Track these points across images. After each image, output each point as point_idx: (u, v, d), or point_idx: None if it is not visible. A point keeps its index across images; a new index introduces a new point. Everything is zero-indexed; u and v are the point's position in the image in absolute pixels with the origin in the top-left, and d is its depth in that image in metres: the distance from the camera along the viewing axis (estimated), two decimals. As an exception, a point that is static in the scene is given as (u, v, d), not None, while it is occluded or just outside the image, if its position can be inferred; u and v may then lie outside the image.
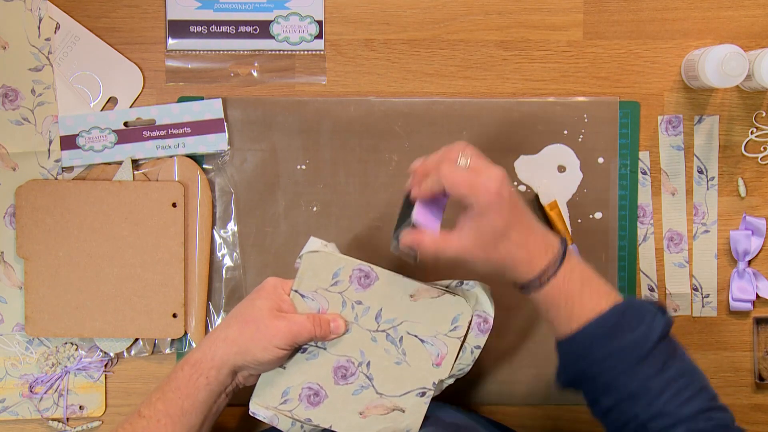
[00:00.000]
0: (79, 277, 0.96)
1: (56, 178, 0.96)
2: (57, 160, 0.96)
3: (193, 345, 0.97)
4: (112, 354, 0.98)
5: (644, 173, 0.99)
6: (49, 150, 0.96)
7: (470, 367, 0.84)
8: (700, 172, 0.99)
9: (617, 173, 0.98)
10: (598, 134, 0.98)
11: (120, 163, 0.96)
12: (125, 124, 0.96)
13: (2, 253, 0.97)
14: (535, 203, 0.98)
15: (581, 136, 0.98)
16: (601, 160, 0.98)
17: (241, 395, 0.84)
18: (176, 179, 0.97)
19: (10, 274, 0.97)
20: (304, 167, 0.98)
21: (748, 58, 0.91)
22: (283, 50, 0.98)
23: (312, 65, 0.98)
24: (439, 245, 0.75)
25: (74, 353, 0.97)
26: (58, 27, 0.96)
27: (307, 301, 0.83)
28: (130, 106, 0.98)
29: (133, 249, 0.96)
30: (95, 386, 0.98)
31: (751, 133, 0.99)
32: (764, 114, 0.99)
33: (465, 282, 0.84)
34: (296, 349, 0.82)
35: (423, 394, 0.83)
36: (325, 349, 0.83)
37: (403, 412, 0.83)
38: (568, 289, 0.75)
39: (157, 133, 0.96)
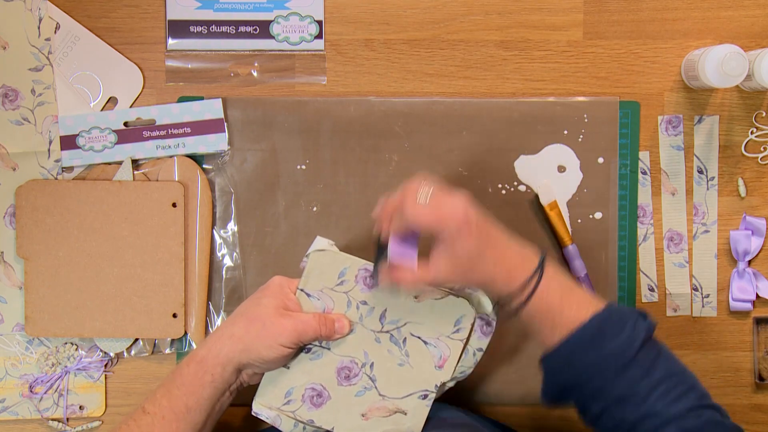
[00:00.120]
0: (79, 277, 0.96)
1: (56, 178, 0.96)
2: (57, 160, 0.96)
3: (194, 345, 0.97)
4: (112, 354, 0.97)
5: (644, 173, 0.99)
6: (49, 150, 0.96)
7: (472, 369, 0.84)
8: (700, 172, 0.99)
9: (617, 173, 0.98)
10: (598, 134, 0.98)
11: (120, 163, 0.96)
12: (125, 124, 0.96)
13: (2, 253, 0.97)
14: (535, 203, 0.98)
15: (581, 136, 0.98)
16: (601, 160, 0.98)
17: (244, 395, 0.84)
18: (176, 179, 0.97)
19: (10, 274, 0.97)
20: (304, 167, 0.98)
21: (748, 58, 0.91)
22: (283, 50, 0.98)
23: (312, 65, 0.98)
24: (418, 278, 0.77)
25: (74, 353, 0.97)
26: (58, 27, 0.96)
27: (312, 300, 0.83)
28: (130, 106, 0.98)
29: (133, 249, 0.96)
30: (95, 386, 0.98)
31: (751, 133, 0.99)
32: (764, 114, 0.99)
33: None
34: (300, 348, 0.82)
35: (425, 397, 0.83)
36: (329, 349, 0.83)
37: (405, 414, 0.83)
38: (549, 302, 0.75)
39: (157, 133, 0.96)
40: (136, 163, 0.97)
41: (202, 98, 0.97)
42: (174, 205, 0.96)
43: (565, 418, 1.00)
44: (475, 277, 0.76)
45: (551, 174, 0.98)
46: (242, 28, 0.97)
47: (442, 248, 0.75)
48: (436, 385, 0.83)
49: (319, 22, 0.98)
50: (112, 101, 0.98)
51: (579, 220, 0.98)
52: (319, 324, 0.80)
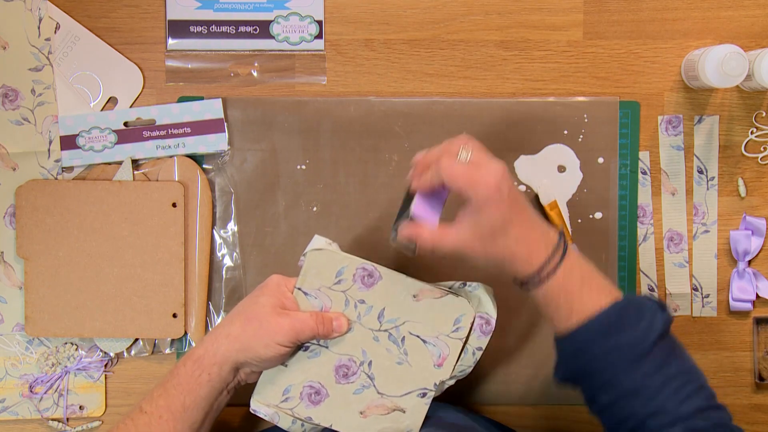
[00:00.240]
0: (79, 277, 0.96)
1: (56, 178, 0.96)
2: (57, 160, 0.96)
3: (193, 345, 0.97)
4: (112, 354, 0.97)
5: (644, 173, 0.99)
6: (49, 150, 0.96)
7: (471, 368, 0.84)
8: (700, 172, 0.99)
9: (617, 173, 0.98)
10: (598, 134, 0.98)
11: (120, 163, 0.96)
12: (125, 124, 0.96)
13: (2, 253, 0.97)
14: (535, 203, 0.98)
15: (581, 136, 0.98)
16: (601, 160, 0.98)
17: (242, 395, 0.84)
18: (176, 179, 0.97)
19: (10, 274, 0.97)
20: (304, 167, 0.98)
21: (748, 58, 0.91)
22: (283, 50, 0.98)
23: (312, 65, 0.98)
24: (436, 238, 0.75)
25: (74, 353, 0.97)
26: (58, 27, 0.96)
27: (310, 299, 0.83)
28: (130, 106, 0.98)
29: (133, 249, 0.96)
30: (95, 386, 0.98)
31: (751, 133, 0.99)
32: (764, 114, 0.99)
33: (468, 283, 0.84)
34: (298, 347, 0.82)
35: (424, 395, 0.83)
36: (327, 347, 0.83)
37: (404, 412, 0.83)
38: (568, 286, 0.74)
39: (157, 133, 0.96)
40: (136, 163, 0.97)
41: (202, 98, 0.97)
42: (174, 205, 0.96)
43: (564, 418, 1.00)
44: (495, 250, 0.74)
45: (551, 174, 0.98)
46: (242, 28, 0.97)
47: (468, 213, 0.73)
48: (435, 384, 0.82)
49: (319, 22, 0.98)
50: (112, 101, 0.98)
51: (579, 220, 0.98)
52: (317, 323, 0.80)
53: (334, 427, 0.82)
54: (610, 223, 0.98)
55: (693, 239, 0.99)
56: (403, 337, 0.83)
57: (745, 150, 0.99)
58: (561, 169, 0.98)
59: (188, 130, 0.96)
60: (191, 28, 0.97)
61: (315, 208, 0.98)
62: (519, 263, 0.75)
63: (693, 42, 0.99)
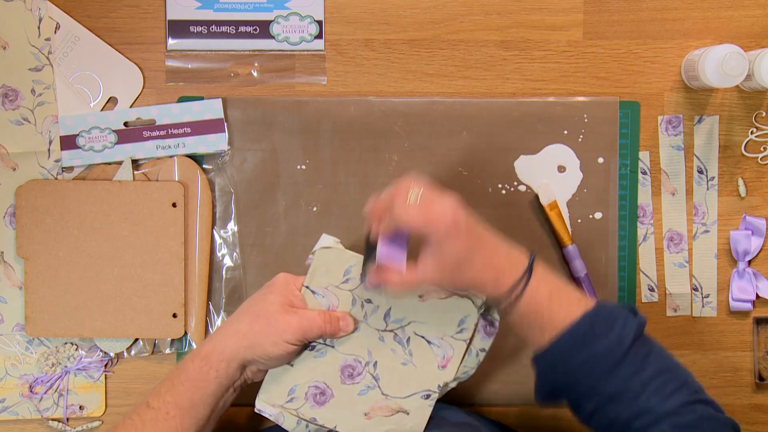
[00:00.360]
0: (79, 277, 0.96)
1: (56, 178, 0.96)
2: (57, 160, 0.96)
3: (193, 345, 0.97)
4: (112, 354, 0.97)
5: (644, 173, 0.99)
6: (49, 150, 0.96)
7: (475, 370, 0.84)
8: (700, 172, 0.99)
9: (617, 173, 0.98)
10: (598, 134, 0.98)
11: (120, 163, 0.96)
12: (125, 124, 0.96)
13: (2, 253, 0.97)
14: (535, 203, 0.98)
15: (581, 136, 0.98)
16: (601, 160, 0.98)
17: (247, 395, 0.84)
18: (176, 179, 0.97)
19: (10, 274, 0.97)
20: (304, 167, 0.98)
21: (748, 58, 0.91)
22: (283, 50, 0.98)
23: (312, 65, 0.98)
24: (405, 281, 0.76)
25: (74, 353, 0.97)
26: (58, 27, 0.96)
27: (317, 298, 0.83)
28: (130, 106, 0.98)
29: (133, 249, 0.96)
30: (95, 386, 0.98)
31: (751, 133, 0.99)
32: (764, 114, 0.99)
33: None
34: (305, 345, 0.82)
35: (428, 397, 0.83)
36: (333, 347, 0.83)
37: (408, 414, 0.82)
38: (537, 303, 0.75)
39: (157, 133, 0.96)
40: (136, 163, 0.97)
41: (202, 98, 0.97)
42: (174, 205, 0.96)
43: (563, 418, 1.00)
44: (463, 280, 0.75)
45: (551, 174, 0.98)
46: (242, 28, 0.97)
47: (430, 250, 0.74)
48: (438, 386, 0.82)
49: (319, 22, 0.98)
50: (112, 101, 0.98)
51: (579, 220, 0.98)
52: (324, 321, 0.80)
53: (338, 429, 0.82)
54: (610, 223, 0.98)
55: (693, 239, 0.99)
56: (409, 337, 0.83)
57: (745, 150, 0.99)
58: (561, 169, 0.98)
59: (188, 130, 0.96)
60: (191, 28, 0.97)
61: (315, 208, 0.98)
62: (488, 288, 0.76)
63: (693, 42, 0.99)
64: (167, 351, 0.98)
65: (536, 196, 0.98)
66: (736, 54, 0.91)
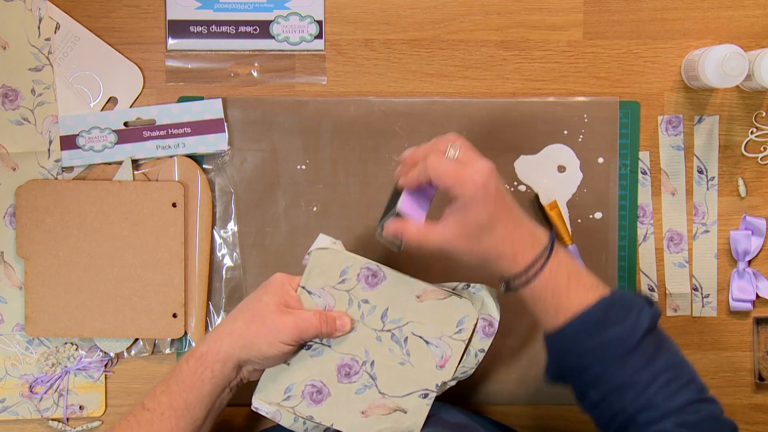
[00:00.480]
0: (79, 277, 0.96)
1: (56, 178, 0.96)
2: (57, 160, 0.96)
3: (193, 345, 0.97)
4: (112, 354, 0.97)
5: (644, 173, 0.99)
6: (49, 150, 0.96)
7: (473, 370, 0.84)
8: (700, 172, 0.99)
9: (617, 173, 0.98)
10: (598, 134, 0.98)
11: (120, 163, 0.96)
12: (125, 124, 0.96)
13: (2, 253, 0.97)
14: (535, 203, 0.98)
15: (581, 136, 0.98)
16: (601, 160, 0.98)
17: (243, 395, 0.84)
18: (176, 179, 0.97)
19: (10, 274, 0.97)
20: (304, 167, 0.98)
21: (748, 58, 0.91)
22: (283, 50, 0.98)
23: (312, 65, 0.98)
24: (422, 235, 0.76)
25: (74, 353, 0.97)
26: (58, 27, 0.96)
27: (314, 298, 0.83)
28: (130, 106, 0.98)
29: (133, 249, 0.96)
30: (95, 386, 0.98)
31: (751, 133, 0.99)
32: (764, 114, 0.99)
33: (472, 285, 0.84)
34: (301, 345, 0.82)
35: (425, 396, 0.83)
36: (329, 346, 0.83)
37: (405, 412, 0.83)
38: (555, 284, 0.75)
39: (157, 133, 0.96)
40: (136, 163, 0.97)
41: (202, 98, 0.97)
42: (174, 205, 0.96)
43: (563, 417, 1.00)
44: (480, 248, 0.74)
45: (551, 174, 0.98)
46: (242, 28, 0.97)
47: (454, 210, 0.74)
48: (436, 385, 0.83)
49: (319, 22, 0.98)
50: (112, 101, 0.98)
51: (579, 220, 0.98)
52: (320, 321, 0.80)
53: (335, 427, 0.82)
54: (610, 223, 0.98)
55: (693, 239, 0.99)
56: (406, 337, 0.83)
57: (745, 150, 0.99)
58: (561, 169, 0.98)
59: (188, 130, 0.96)
60: (191, 28, 0.97)
61: (315, 208, 0.98)
62: (505, 262, 0.75)
63: (693, 42, 0.99)
64: (167, 351, 0.98)
65: (536, 196, 0.98)
66: (736, 54, 0.91)
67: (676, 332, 1.00)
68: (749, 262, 0.99)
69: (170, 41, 0.98)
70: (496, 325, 0.83)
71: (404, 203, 0.77)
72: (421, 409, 0.83)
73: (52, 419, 0.98)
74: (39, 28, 0.96)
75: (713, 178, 0.99)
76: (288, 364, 0.83)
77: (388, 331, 0.83)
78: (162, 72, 0.98)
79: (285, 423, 0.82)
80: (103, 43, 0.97)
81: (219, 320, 0.98)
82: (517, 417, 0.99)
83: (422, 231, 0.76)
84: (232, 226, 0.98)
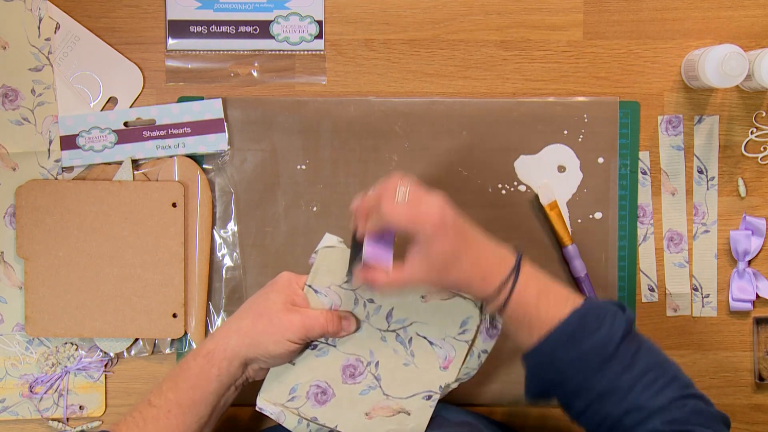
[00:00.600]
0: (79, 277, 0.96)
1: (56, 178, 0.96)
2: (57, 160, 0.96)
3: (193, 345, 0.97)
4: (112, 354, 0.97)
5: (644, 173, 0.99)
6: (49, 150, 0.96)
7: (476, 371, 0.84)
8: (700, 172, 0.99)
9: (617, 173, 0.98)
10: (598, 134, 0.98)
11: (120, 163, 0.96)
12: (125, 124, 0.96)
13: (2, 253, 0.97)
14: (535, 203, 0.98)
15: (581, 136, 0.98)
16: (601, 160, 0.98)
17: (248, 395, 0.84)
18: (176, 179, 0.97)
19: (10, 274, 0.97)
20: (304, 167, 0.98)
21: (748, 58, 0.91)
22: (283, 50, 0.98)
23: (312, 65, 0.98)
24: (392, 280, 0.76)
25: (74, 353, 0.97)
26: (58, 27, 0.96)
27: (320, 297, 0.83)
28: (130, 106, 0.98)
29: (133, 249, 0.96)
30: (95, 386, 0.98)
31: (751, 133, 0.99)
32: (764, 114, 0.99)
33: None
34: (307, 345, 0.82)
35: (429, 398, 0.83)
36: (335, 346, 0.83)
37: (409, 414, 0.82)
38: (525, 302, 0.75)
39: (157, 133, 0.96)
40: (136, 163, 0.97)
41: (202, 98, 0.97)
42: (174, 205, 0.96)
43: (564, 418, 0.99)
44: (450, 279, 0.75)
45: (551, 174, 0.98)
46: (242, 28, 0.97)
47: (417, 249, 0.74)
48: (440, 386, 0.82)
49: (319, 22, 0.98)
50: (112, 101, 0.98)
51: (579, 220, 0.98)
52: (327, 320, 0.80)
53: (339, 429, 0.82)
54: (610, 223, 0.98)
55: (693, 239, 0.99)
56: (411, 338, 0.83)
57: (745, 150, 0.99)
58: (561, 169, 0.98)
59: (188, 130, 0.96)
60: (191, 28, 0.97)
61: (315, 208, 0.98)
62: (475, 288, 0.75)
63: (693, 42, 0.99)
64: (167, 351, 0.98)
65: (536, 196, 0.98)
66: (736, 54, 0.91)
67: (676, 332, 1.00)
68: (749, 262, 0.99)
69: (170, 41, 0.98)
70: (500, 326, 0.83)
71: (368, 253, 0.77)
72: (425, 410, 0.82)
73: (52, 419, 0.98)
74: (39, 28, 0.96)
75: (713, 178, 0.99)
76: (293, 364, 0.83)
77: (393, 331, 0.83)
78: (162, 72, 0.98)
79: (289, 425, 0.82)
80: (103, 43, 0.97)
81: (219, 320, 0.98)
82: (517, 417, 0.99)
83: (391, 277, 0.76)
84: (232, 226, 0.98)
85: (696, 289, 1.00)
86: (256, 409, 0.83)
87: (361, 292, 0.83)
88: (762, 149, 0.99)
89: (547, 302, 0.75)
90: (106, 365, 0.98)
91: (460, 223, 0.75)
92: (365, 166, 0.98)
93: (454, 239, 0.73)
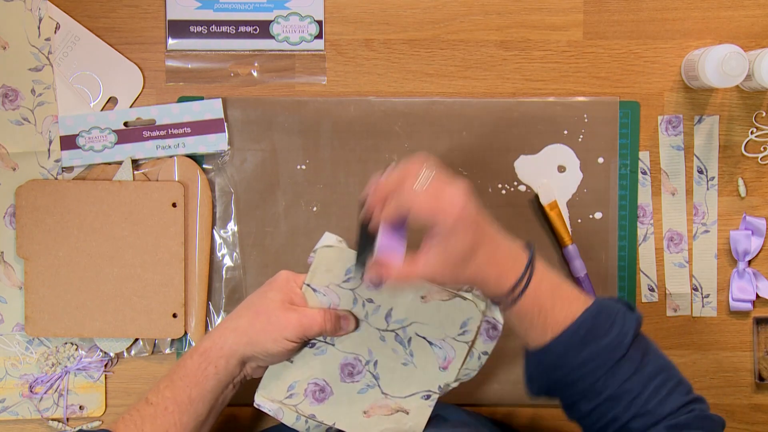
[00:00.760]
0: (79, 277, 0.96)
1: (56, 178, 0.96)
2: (57, 160, 0.96)
3: (194, 344, 0.97)
4: (112, 354, 0.97)
5: (644, 173, 0.99)
6: (49, 150, 0.96)
7: (476, 372, 0.84)
8: (700, 172, 0.99)
9: (617, 173, 0.98)
10: (598, 134, 0.98)
11: (120, 163, 0.96)
12: (125, 124, 0.96)
13: (2, 253, 0.97)
14: (535, 203, 0.98)
15: (581, 136, 0.98)
16: (601, 160, 0.98)
17: (246, 394, 0.84)
18: (176, 179, 0.97)
19: (10, 274, 0.97)
20: (304, 167, 0.98)
21: (748, 58, 0.91)
22: (283, 50, 0.98)
23: (312, 65, 0.98)
24: (406, 274, 0.72)
25: (74, 353, 0.97)
26: (58, 27, 0.96)
27: (318, 296, 0.83)
28: (130, 106, 0.98)
29: (133, 249, 0.96)
30: (95, 386, 0.98)
31: (751, 133, 0.99)
32: (764, 114, 0.99)
33: None
34: (305, 343, 0.82)
35: (428, 397, 0.82)
36: (333, 345, 0.83)
37: (407, 413, 0.82)
38: (540, 300, 0.73)
39: (157, 133, 0.96)
40: (136, 163, 0.97)
41: (202, 98, 0.97)
42: (174, 205, 0.96)
43: (564, 418, 1.00)
44: (465, 275, 0.72)
45: (551, 174, 0.98)
46: (242, 28, 0.97)
47: (434, 242, 0.70)
48: (439, 386, 0.82)
49: (319, 22, 0.98)
50: (112, 101, 0.98)
51: (579, 220, 0.98)
52: (325, 319, 0.80)
53: (337, 426, 0.82)
54: (610, 223, 0.98)
55: (693, 239, 0.99)
56: (410, 338, 0.83)
57: (745, 150, 0.99)
58: (561, 169, 0.98)
59: (188, 130, 0.96)
60: (191, 28, 0.97)
61: (315, 208, 0.98)
62: (490, 285, 0.73)
63: (693, 42, 0.99)
64: (167, 351, 0.98)
65: (536, 196, 0.98)
66: (736, 54, 0.91)
67: (676, 332, 1.00)
68: (749, 262, 0.99)
69: (170, 41, 0.98)
70: (500, 328, 0.83)
71: (383, 246, 0.73)
72: (423, 410, 0.82)
73: (52, 419, 0.98)
74: (39, 28, 0.96)
75: (713, 178, 0.99)
76: (291, 362, 0.82)
77: (392, 331, 0.83)
78: (162, 72, 0.98)
79: (287, 421, 0.82)
80: (103, 43, 0.97)
81: (219, 320, 0.98)
82: (518, 417, 0.99)
83: (406, 270, 0.72)
84: (232, 226, 0.98)
85: (696, 289, 1.00)
86: (254, 405, 0.82)
87: (360, 292, 0.83)
88: (762, 149, 0.99)
89: (561, 301, 0.73)
90: (106, 365, 0.98)
91: (480, 216, 0.71)
92: (365, 166, 0.98)
93: (474, 234, 0.70)
